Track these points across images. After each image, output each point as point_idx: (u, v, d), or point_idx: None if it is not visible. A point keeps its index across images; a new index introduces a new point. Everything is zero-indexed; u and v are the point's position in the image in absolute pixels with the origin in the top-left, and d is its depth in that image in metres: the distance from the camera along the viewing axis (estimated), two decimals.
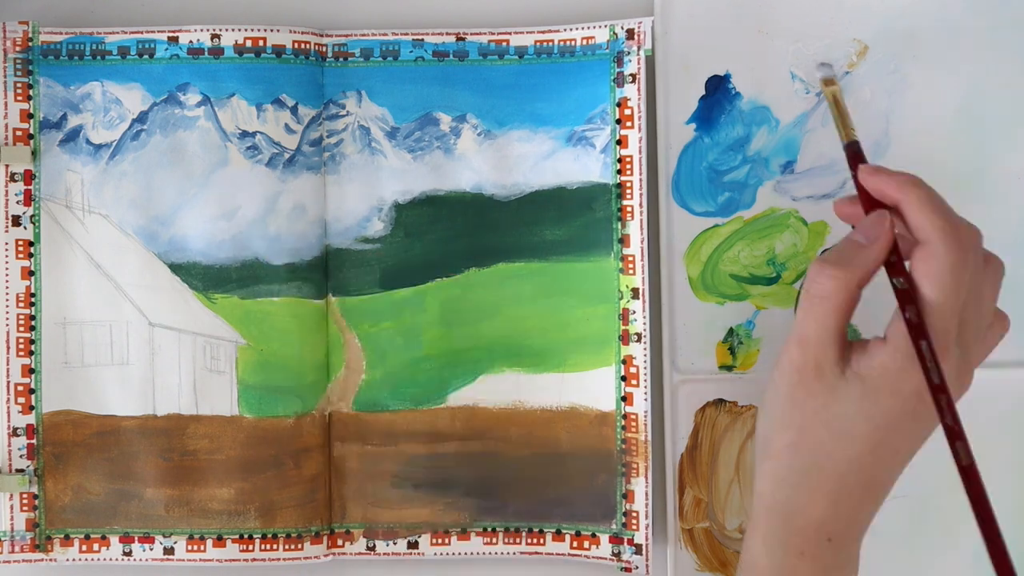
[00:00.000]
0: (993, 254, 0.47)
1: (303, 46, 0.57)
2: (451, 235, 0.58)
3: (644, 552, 0.56)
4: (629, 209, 0.56)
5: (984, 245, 0.46)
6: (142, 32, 0.57)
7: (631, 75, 0.56)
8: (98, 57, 0.57)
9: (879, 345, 0.45)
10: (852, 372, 0.45)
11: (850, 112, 0.52)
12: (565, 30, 0.57)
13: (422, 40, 0.58)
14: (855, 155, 0.49)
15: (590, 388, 0.57)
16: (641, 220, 0.56)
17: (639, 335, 0.56)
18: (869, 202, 0.47)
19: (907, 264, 0.45)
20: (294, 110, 0.57)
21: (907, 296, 0.44)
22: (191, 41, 0.57)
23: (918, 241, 0.45)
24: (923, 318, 0.43)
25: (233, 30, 0.57)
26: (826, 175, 0.57)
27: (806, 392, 0.45)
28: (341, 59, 0.58)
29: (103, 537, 0.57)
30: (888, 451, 0.45)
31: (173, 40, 0.57)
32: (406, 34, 0.58)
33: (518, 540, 0.58)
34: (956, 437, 0.42)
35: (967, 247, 0.44)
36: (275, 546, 0.57)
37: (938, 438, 0.44)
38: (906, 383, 0.44)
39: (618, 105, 0.56)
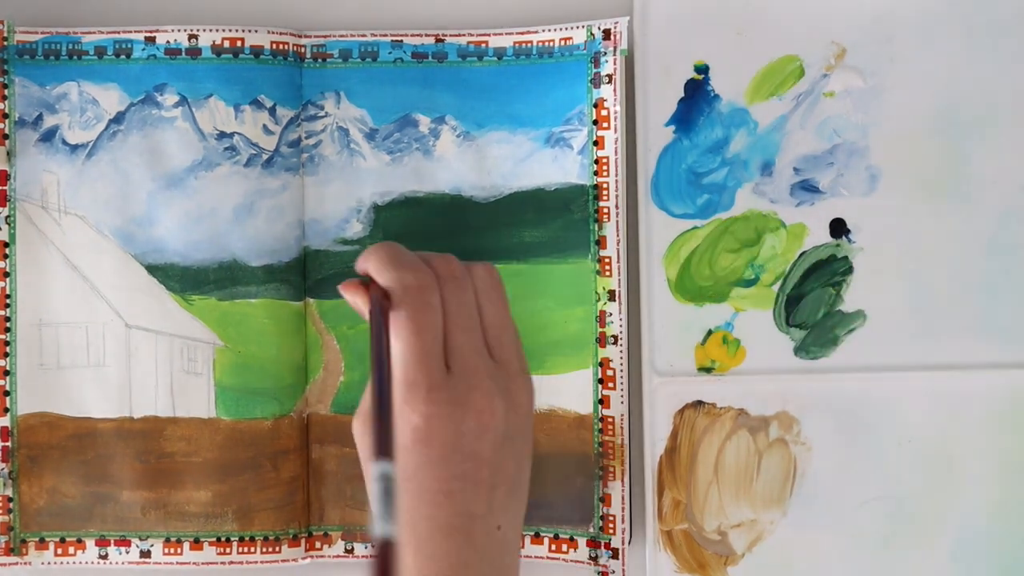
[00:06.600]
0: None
1: (281, 47, 0.57)
2: (430, 237, 0.58)
3: (620, 556, 0.56)
4: (606, 211, 0.56)
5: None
6: (119, 32, 0.57)
7: (608, 76, 0.56)
8: (74, 57, 0.57)
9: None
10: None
11: None
12: (544, 31, 0.57)
13: (401, 41, 0.58)
14: None
15: (568, 391, 0.57)
16: (617, 222, 0.56)
17: (616, 337, 0.56)
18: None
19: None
20: (272, 111, 0.57)
21: (375, 359, 0.43)
22: (168, 41, 0.57)
23: None
24: (383, 373, 0.42)
25: (211, 30, 0.57)
26: (805, 176, 0.57)
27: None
28: (320, 60, 0.58)
29: (79, 540, 0.57)
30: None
31: (150, 40, 0.57)
32: (385, 35, 0.58)
33: None
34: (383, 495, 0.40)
35: (418, 289, 0.45)
36: (253, 549, 0.57)
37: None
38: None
39: (595, 106, 0.56)
